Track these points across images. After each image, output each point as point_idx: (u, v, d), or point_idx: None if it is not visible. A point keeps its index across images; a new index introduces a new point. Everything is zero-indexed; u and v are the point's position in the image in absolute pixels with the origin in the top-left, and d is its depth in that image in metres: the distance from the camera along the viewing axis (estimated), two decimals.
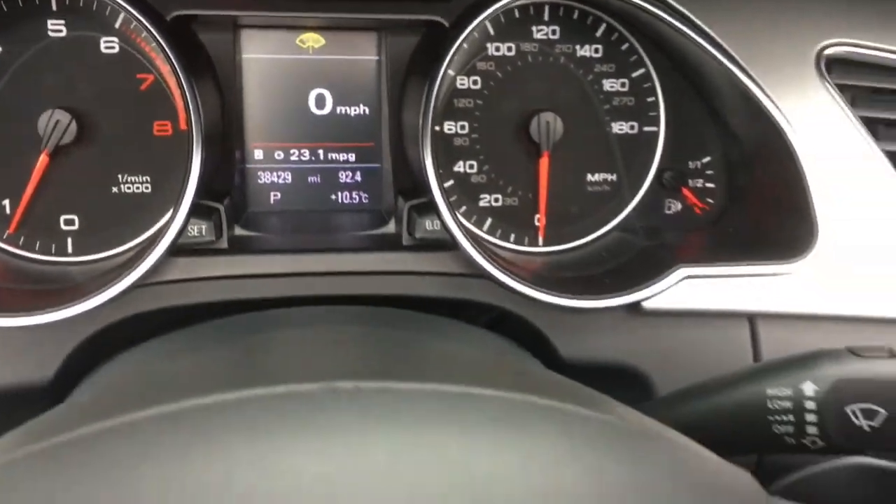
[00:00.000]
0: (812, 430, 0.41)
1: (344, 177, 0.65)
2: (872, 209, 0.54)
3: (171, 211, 0.53)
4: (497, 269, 0.54)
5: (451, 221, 0.54)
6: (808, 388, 0.41)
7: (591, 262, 0.64)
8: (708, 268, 0.54)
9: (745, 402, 0.43)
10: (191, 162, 0.51)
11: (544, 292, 0.53)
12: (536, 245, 0.66)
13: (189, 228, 0.53)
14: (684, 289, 0.54)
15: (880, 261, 0.54)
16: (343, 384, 0.27)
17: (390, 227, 0.62)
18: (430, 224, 0.57)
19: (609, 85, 0.65)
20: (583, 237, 0.67)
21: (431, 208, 0.54)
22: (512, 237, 0.66)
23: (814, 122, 0.55)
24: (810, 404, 0.41)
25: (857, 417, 0.40)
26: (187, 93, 0.51)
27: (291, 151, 0.64)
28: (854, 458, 0.37)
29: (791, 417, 0.42)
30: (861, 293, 0.54)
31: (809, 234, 0.54)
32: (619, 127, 0.66)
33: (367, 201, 0.65)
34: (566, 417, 0.28)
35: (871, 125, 0.55)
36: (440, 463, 0.25)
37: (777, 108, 0.55)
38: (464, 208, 0.65)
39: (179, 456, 0.25)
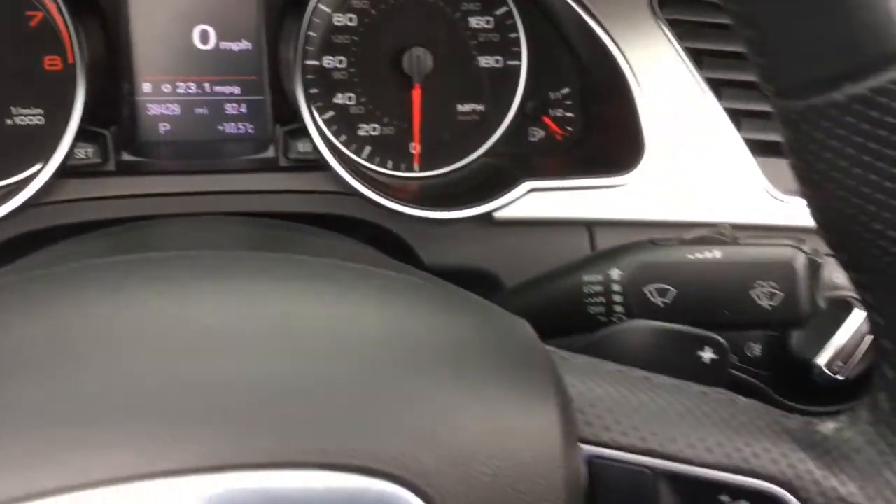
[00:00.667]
0: (619, 308, 0.49)
1: (230, 108, 0.69)
2: (694, 130, 0.62)
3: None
4: (364, 185, 0.60)
5: (321, 142, 0.59)
6: (615, 274, 0.49)
7: (461, 185, 0.71)
8: (550, 181, 0.61)
9: (566, 290, 0.51)
10: (76, 91, 0.55)
11: (405, 205, 0.59)
12: (412, 171, 0.72)
13: (76, 152, 0.58)
14: (531, 200, 0.61)
15: (697, 175, 0.62)
16: (189, 252, 0.33)
17: (270, 152, 0.67)
18: (302, 146, 0.62)
19: (475, 22, 0.71)
20: (455, 163, 0.73)
21: (303, 132, 0.60)
22: (390, 164, 0.72)
23: (646, 54, 0.62)
24: (616, 287, 0.49)
25: (653, 296, 0.48)
26: (71, 27, 0.55)
27: (178, 85, 0.68)
28: (636, 321, 0.44)
29: (602, 299, 0.49)
30: (681, 202, 0.62)
31: (638, 152, 0.62)
32: (486, 61, 0.72)
33: (252, 131, 0.70)
34: (370, 275, 0.34)
35: (697, 56, 0.63)
36: (258, 313, 0.31)
37: (614, 42, 0.62)
38: (344, 137, 0.70)
39: (45, 306, 0.31)
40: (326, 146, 0.61)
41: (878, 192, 0.30)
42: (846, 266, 0.34)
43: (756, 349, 0.62)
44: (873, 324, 0.35)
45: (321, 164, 0.61)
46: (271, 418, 0.28)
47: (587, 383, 0.35)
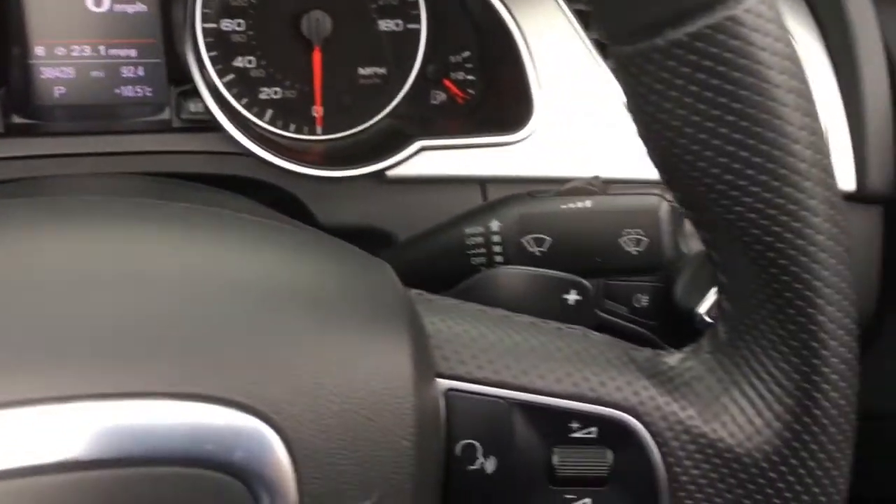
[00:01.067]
0: (499, 258, 0.51)
1: (126, 72, 0.69)
2: (581, 90, 0.64)
3: None
4: (257, 145, 0.61)
5: (212, 102, 0.60)
6: (494, 225, 0.50)
7: (362, 147, 0.72)
8: (442, 140, 0.63)
9: (450, 243, 0.52)
10: None
11: (297, 164, 0.60)
12: (315, 133, 0.73)
13: None
14: (424, 159, 0.63)
15: (584, 133, 0.65)
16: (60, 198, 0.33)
17: (165, 114, 0.67)
18: (193, 106, 0.63)
19: None
20: (357, 126, 0.74)
21: (196, 93, 0.61)
22: (292, 127, 0.73)
23: (536, 17, 0.64)
24: (496, 238, 0.50)
25: (530, 245, 0.50)
26: None
27: (73, 48, 0.68)
28: (505, 268, 0.46)
29: (483, 251, 0.51)
30: (568, 159, 0.64)
31: (527, 112, 0.64)
32: (386, 24, 0.73)
33: (150, 94, 0.70)
34: (226, 217, 0.35)
35: (583, 17, 0.65)
36: (110, 251, 0.32)
37: (505, 5, 0.64)
38: (245, 100, 0.71)
39: None
40: (220, 107, 0.61)
41: (700, 137, 0.32)
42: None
43: (643, 300, 0.65)
44: (711, 260, 0.37)
45: (215, 125, 0.62)
46: (117, 350, 0.29)
47: (446, 321, 0.37)
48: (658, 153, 0.34)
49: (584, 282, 0.45)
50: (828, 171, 0.34)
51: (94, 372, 0.28)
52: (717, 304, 0.38)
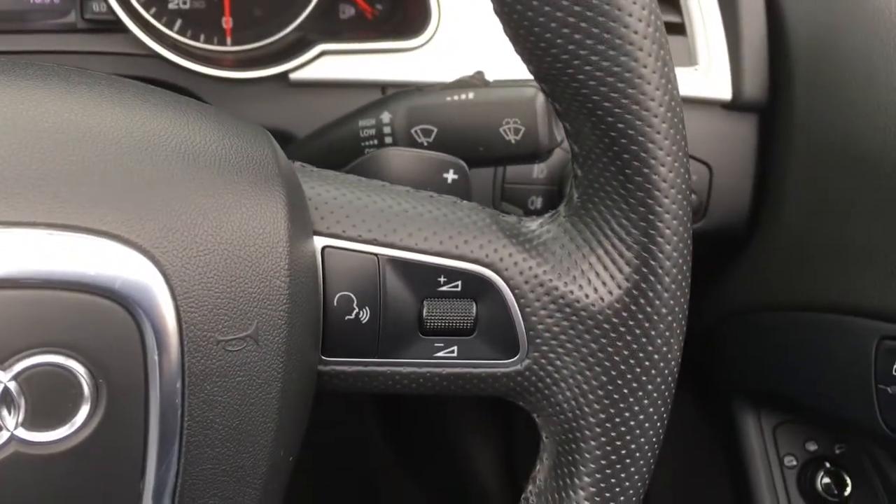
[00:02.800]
0: None
1: None
2: (480, 1, 0.67)
3: None
4: (161, 46, 0.63)
5: (115, 2, 0.61)
6: (386, 117, 0.54)
7: (270, 54, 0.74)
8: (344, 44, 0.66)
9: (345, 136, 0.55)
10: None
11: (201, 65, 0.62)
12: (225, 45, 0.75)
13: None
14: (327, 63, 0.65)
15: (482, 39, 0.68)
16: None
17: (71, 17, 0.68)
18: (96, 6, 0.64)
19: None
20: (267, 38, 0.76)
21: None
22: (202, 37, 0.74)
23: None
24: (387, 129, 0.54)
25: (418, 136, 0.53)
26: None
27: None
28: (390, 148, 0.50)
29: (375, 142, 0.54)
30: (464, 66, 0.67)
31: (426, 19, 0.67)
32: None
33: (58, 2, 0.71)
34: (125, 82, 0.37)
35: None
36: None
37: None
38: (154, 10, 0.72)
39: None
40: (123, 9, 0.62)
41: (547, 11, 0.36)
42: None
43: (538, 202, 0.69)
44: (565, 130, 0.41)
45: (121, 27, 0.63)
46: (4, 185, 0.31)
47: (325, 187, 0.40)
48: (516, 38, 0.38)
49: (461, 162, 0.48)
50: (660, 39, 0.37)
51: None
52: (572, 174, 0.42)
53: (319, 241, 0.39)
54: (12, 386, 0.31)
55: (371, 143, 0.54)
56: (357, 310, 0.40)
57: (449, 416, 1.41)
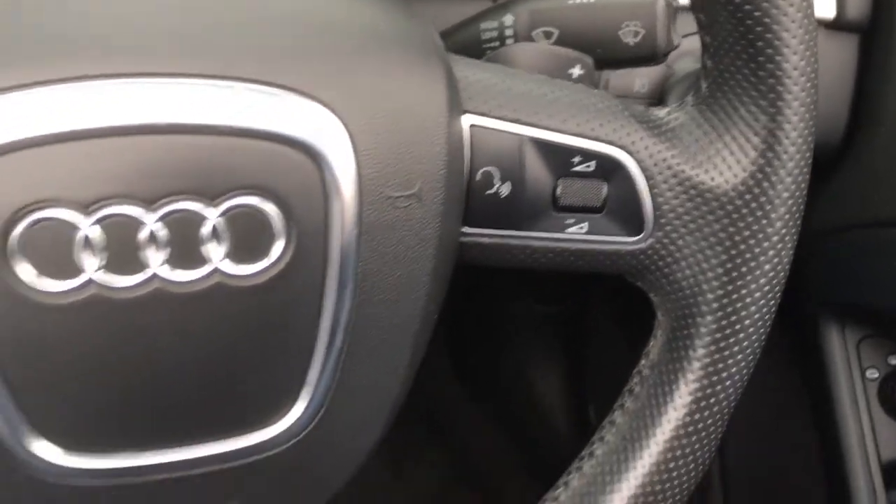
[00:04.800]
0: None
1: None
2: None
3: None
4: None
5: None
6: (508, 20, 0.56)
7: None
8: None
9: (468, 38, 0.58)
10: None
11: None
12: None
13: None
14: None
15: None
16: None
17: None
18: None
19: None
20: None
21: None
22: None
23: None
24: (509, 31, 0.56)
25: (539, 38, 0.56)
26: None
27: None
28: (520, 44, 0.53)
29: (497, 44, 0.57)
30: None
31: None
32: None
33: None
34: None
35: None
36: None
37: None
38: None
39: None
40: None
41: None
42: None
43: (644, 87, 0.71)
44: (698, 22, 0.43)
45: None
46: (197, 38, 0.35)
47: (472, 71, 0.44)
48: None
49: (587, 58, 0.51)
50: None
51: (182, 54, 0.35)
52: (702, 64, 0.45)
53: (467, 120, 0.42)
54: (219, 223, 0.35)
55: (492, 45, 0.57)
56: (498, 184, 0.43)
57: (514, 341, 1.45)
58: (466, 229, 0.44)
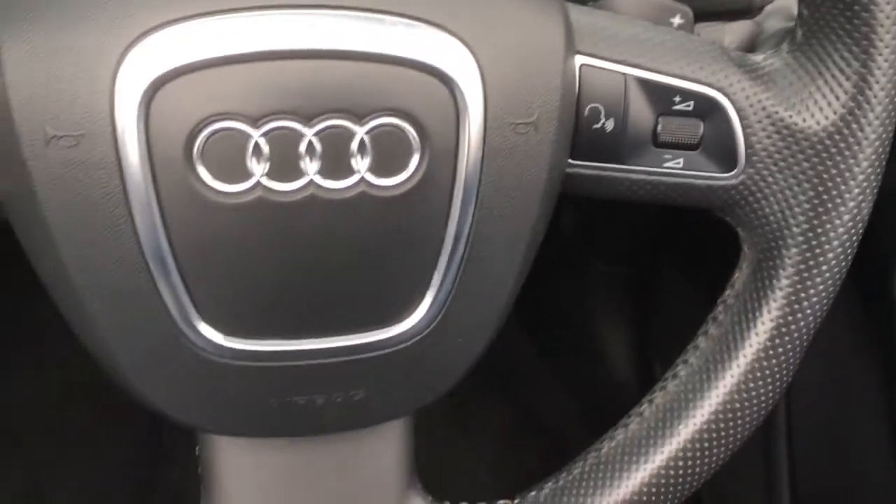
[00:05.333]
0: None
1: None
2: None
3: None
4: None
5: None
6: None
7: None
8: None
9: None
10: None
11: None
12: None
13: None
14: None
15: None
16: None
17: None
18: None
19: None
20: None
21: None
22: None
23: None
24: None
25: None
26: None
27: None
28: None
29: None
30: None
31: None
32: None
33: None
34: None
35: None
36: None
37: None
38: None
39: None
40: None
41: None
42: None
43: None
44: None
45: None
46: None
47: (582, 15, 0.48)
48: None
49: (687, 8, 0.54)
50: None
51: None
52: (798, 13, 0.48)
53: (578, 59, 0.46)
54: (366, 139, 0.40)
55: None
56: (603, 120, 0.47)
57: (583, 299, 1.49)
58: (572, 161, 0.48)
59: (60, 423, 1.25)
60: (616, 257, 1.43)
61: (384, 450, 0.51)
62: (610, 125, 0.47)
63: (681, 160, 0.49)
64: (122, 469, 1.28)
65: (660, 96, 0.47)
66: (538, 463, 1.52)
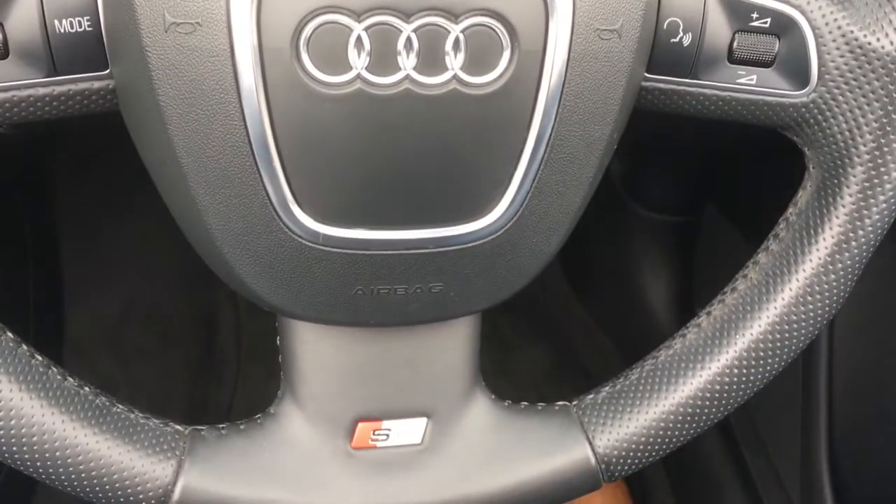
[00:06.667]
0: None
1: None
2: None
3: None
4: None
5: None
6: None
7: None
8: None
9: None
10: None
11: None
12: None
13: None
14: None
15: None
16: None
17: None
18: None
19: None
20: None
21: None
22: None
23: None
24: None
25: None
26: None
27: None
28: None
29: None
30: None
31: None
32: None
33: None
34: None
35: None
36: None
37: None
38: None
39: None
40: None
41: None
42: None
43: None
44: None
45: None
46: None
47: None
48: None
49: None
50: None
51: None
52: None
53: None
54: (461, 37, 0.42)
55: None
56: (681, 34, 0.49)
57: (627, 246, 1.50)
58: (647, 74, 0.50)
59: (120, 340, 1.31)
60: (659, 205, 1.45)
61: (455, 346, 0.54)
62: (687, 39, 0.49)
63: (754, 77, 0.50)
64: (176, 388, 1.34)
65: (738, 12, 0.49)
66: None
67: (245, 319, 1.41)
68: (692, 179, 1.40)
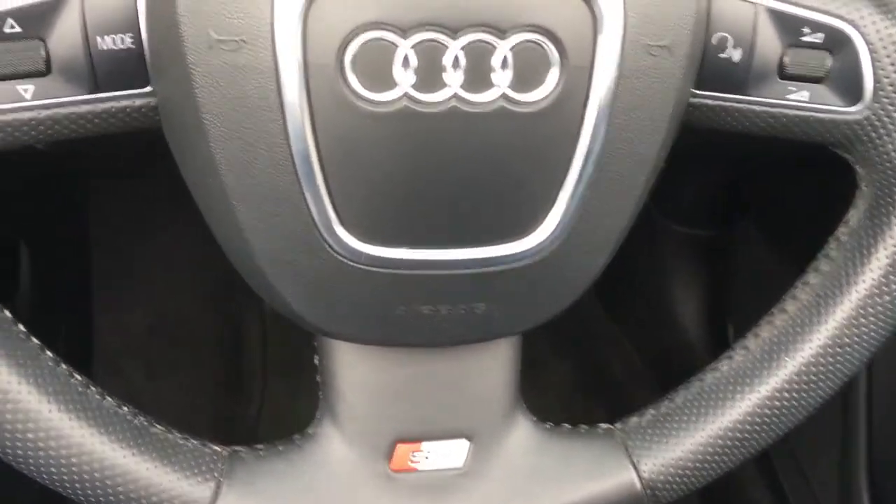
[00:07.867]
0: None
1: None
2: None
3: None
4: None
5: None
6: None
7: None
8: None
9: None
10: None
11: None
12: None
13: None
14: None
15: None
16: None
17: None
18: None
19: None
20: None
21: None
22: None
23: None
24: None
25: None
26: None
27: None
28: None
29: None
30: None
31: None
32: None
33: None
34: None
35: None
36: None
37: None
38: None
39: None
40: None
41: None
42: None
43: None
44: None
45: None
46: None
47: None
48: None
49: None
50: None
51: None
52: None
53: None
54: (508, 54, 0.41)
55: None
56: (730, 49, 0.48)
57: (658, 262, 1.49)
58: (695, 91, 0.49)
59: (149, 355, 1.31)
60: (692, 219, 1.43)
61: (497, 367, 0.53)
62: (737, 55, 0.48)
63: (806, 93, 0.49)
64: (203, 402, 1.34)
65: (789, 27, 0.48)
66: (606, 418, 1.54)
67: (271, 335, 1.40)
68: (724, 193, 1.39)
